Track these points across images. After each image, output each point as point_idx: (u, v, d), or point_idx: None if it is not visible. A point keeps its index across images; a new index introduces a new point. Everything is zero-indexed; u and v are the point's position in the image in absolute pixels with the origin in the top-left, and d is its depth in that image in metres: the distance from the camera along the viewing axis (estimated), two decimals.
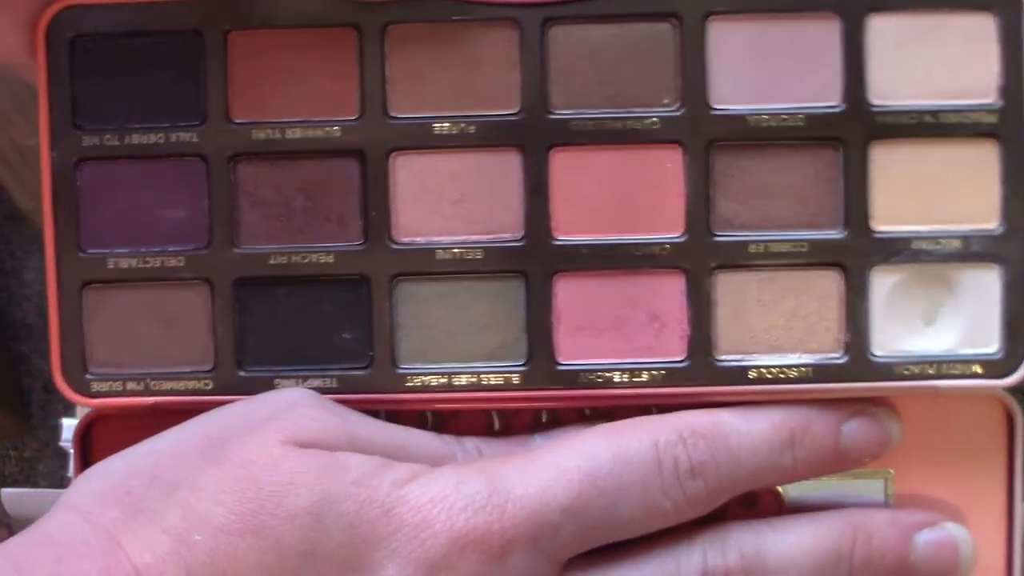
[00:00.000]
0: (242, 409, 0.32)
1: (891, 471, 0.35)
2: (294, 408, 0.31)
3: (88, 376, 0.33)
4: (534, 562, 0.30)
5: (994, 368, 0.33)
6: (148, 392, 0.33)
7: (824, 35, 0.32)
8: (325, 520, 0.29)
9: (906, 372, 0.33)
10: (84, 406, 0.34)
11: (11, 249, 0.51)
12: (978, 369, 0.33)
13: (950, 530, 0.33)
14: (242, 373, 0.33)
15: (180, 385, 0.33)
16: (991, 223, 0.33)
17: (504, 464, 0.31)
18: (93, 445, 0.35)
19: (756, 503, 0.34)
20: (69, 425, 0.38)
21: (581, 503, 0.30)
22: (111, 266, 0.33)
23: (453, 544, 0.29)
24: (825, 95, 0.33)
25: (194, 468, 0.30)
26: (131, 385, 0.33)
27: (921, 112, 0.32)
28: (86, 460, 0.35)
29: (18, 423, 0.54)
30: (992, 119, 0.32)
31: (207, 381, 0.33)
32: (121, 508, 0.29)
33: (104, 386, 0.33)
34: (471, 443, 0.33)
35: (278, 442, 0.30)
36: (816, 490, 0.35)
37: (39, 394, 0.53)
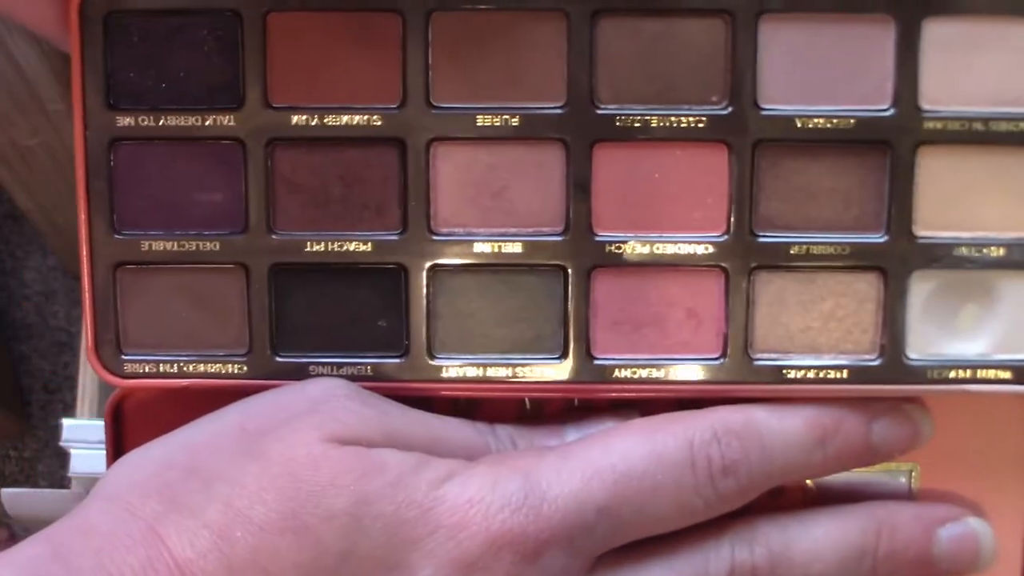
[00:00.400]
0: (277, 400, 0.32)
1: (916, 465, 0.36)
2: (330, 401, 0.32)
3: (123, 357, 0.34)
4: (567, 560, 0.31)
5: None
6: (182, 374, 0.34)
7: (878, 37, 0.32)
8: (363, 521, 0.30)
9: (939, 376, 0.33)
10: (118, 387, 0.34)
11: (11, 249, 0.51)
12: (1011, 375, 0.34)
13: (972, 524, 0.34)
14: (277, 358, 0.34)
15: (214, 368, 0.34)
16: None
17: (540, 461, 0.32)
18: (124, 421, 0.35)
19: (781, 491, 0.36)
20: (69, 425, 0.39)
21: (616, 503, 0.31)
22: (145, 248, 0.33)
23: (490, 545, 0.30)
24: (875, 98, 0.33)
25: (232, 462, 0.31)
26: (164, 367, 0.34)
27: (971, 119, 0.33)
28: (118, 435, 0.35)
29: (18, 423, 0.54)
30: None
31: (241, 365, 0.34)
32: (161, 500, 0.30)
33: (138, 367, 0.34)
34: (504, 432, 0.34)
35: (317, 439, 0.31)
36: (841, 479, 0.36)
37: (39, 394, 0.54)
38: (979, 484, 0.36)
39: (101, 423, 0.36)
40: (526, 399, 0.35)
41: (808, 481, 0.36)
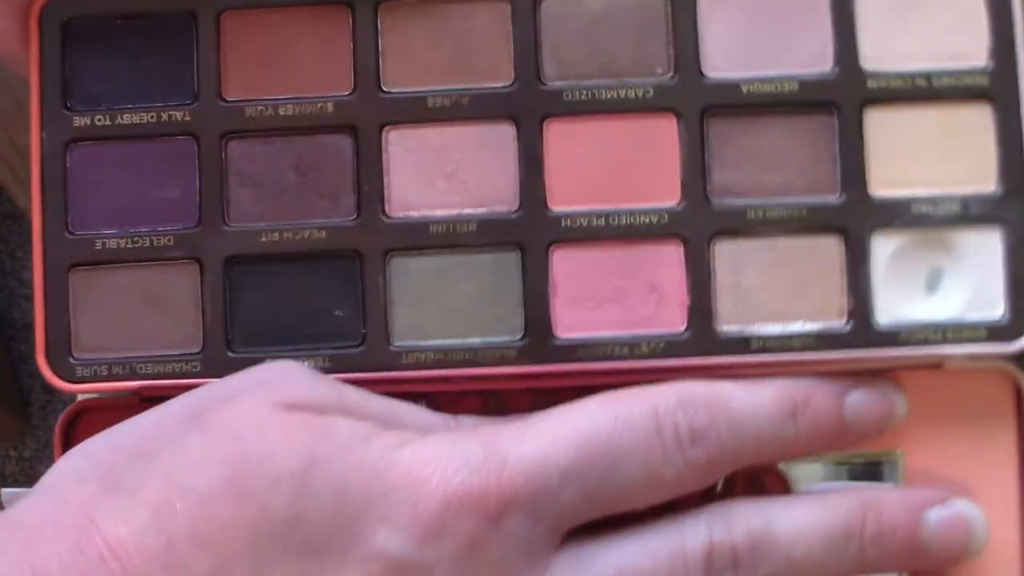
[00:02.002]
0: (227, 382, 0.33)
1: (901, 451, 0.36)
2: (283, 374, 0.33)
3: (72, 361, 0.35)
4: (532, 527, 0.31)
5: (1000, 333, 0.34)
6: (134, 376, 0.35)
7: (814, 1, 0.35)
8: (312, 485, 0.30)
9: (911, 339, 0.34)
10: (67, 392, 0.35)
11: (11, 249, 0.53)
12: (984, 333, 0.34)
13: (961, 507, 0.34)
14: (231, 354, 0.35)
15: (167, 368, 0.35)
16: (989, 185, 0.35)
17: (501, 429, 0.32)
18: (76, 438, 0.36)
19: (763, 489, 0.36)
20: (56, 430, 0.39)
21: (580, 466, 0.31)
22: (99, 247, 0.35)
23: (448, 506, 0.30)
24: (817, 61, 0.35)
25: (176, 437, 0.31)
26: (117, 369, 0.35)
27: (914, 76, 0.35)
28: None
29: (18, 423, 0.55)
30: (984, 81, 0.35)
31: (195, 363, 0.35)
32: (99, 484, 0.30)
33: (89, 371, 0.35)
34: (467, 419, 0.34)
35: (266, 405, 0.31)
36: (824, 477, 0.36)
37: (39, 394, 0.55)
38: (968, 465, 0.36)
39: None
40: (489, 400, 0.36)
41: (788, 479, 0.36)
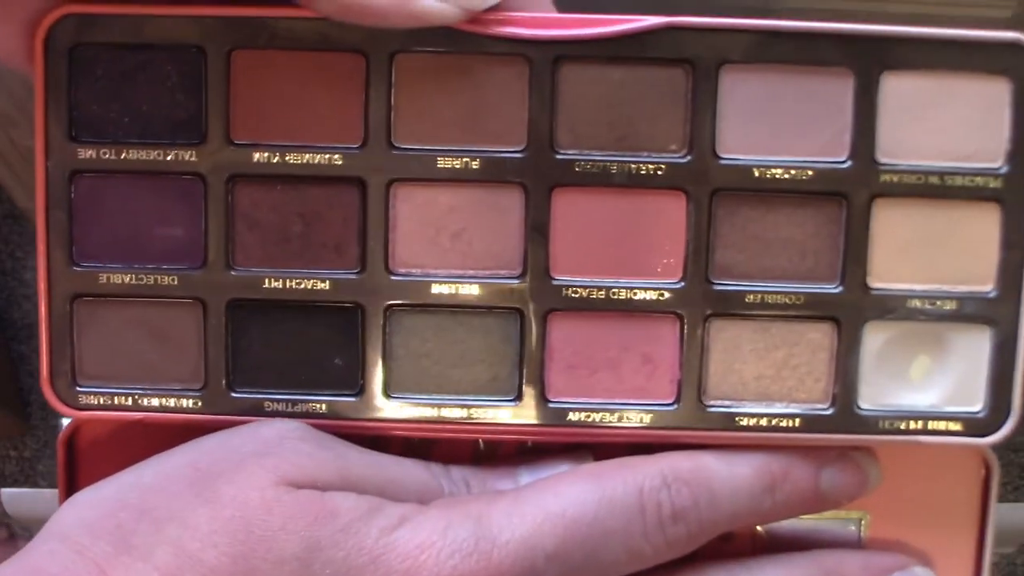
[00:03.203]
0: (231, 441, 0.35)
1: (866, 514, 0.39)
2: (283, 443, 0.35)
3: (77, 388, 0.37)
4: None
5: (977, 426, 0.37)
6: (136, 407, 0.37)
7: (836, 91, 0.36)
8: (313, 566, 0.33)
9: (890, 426, 0.37)
10: (71, 417, 0.37)
11: (11, 249, 0.54)
12: (961, 427, 0.37)
13: (919, 574, 0.38)
14: (233, 394, 0.37)
15: (169, 402, 0.37)
16: (987, 286, 0.36)
17: (490, 506, 0.35)
18: (78, 452, 0.38)
19: (731, 537, 0.39)
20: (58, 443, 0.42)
21: (565, 549, 0.34)
22: (103, 281, 0.36)
23: None
24: (833, 150, 0.36)
25: (184, 504, 0.33)
26: (120, 399, 0.37)
27: (927, 172, 0.36)
28: (71, 466, 0.38)
29: (18, 423, 0.57)
30: (997, 184, 0.36)
31: (197, 400, 0.37)
32: (111, 542, 0.33)
33: (92, 399, 0.37)
34: (459, 473, 0.37)
35: (271, 483, 0.33)
36: (791, 525, 0.39)
37: (39, 394, 0.57)
38: (928, 533, 0.39)
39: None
40: (480, 440, 0.38)
41: (758, 527, 0.39)
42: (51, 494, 0.47)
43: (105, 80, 0.36)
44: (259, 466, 0.34)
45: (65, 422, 0.41)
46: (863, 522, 0.39)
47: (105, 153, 0.36)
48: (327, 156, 0.36)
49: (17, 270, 0.54)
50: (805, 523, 0.39)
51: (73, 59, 0.36)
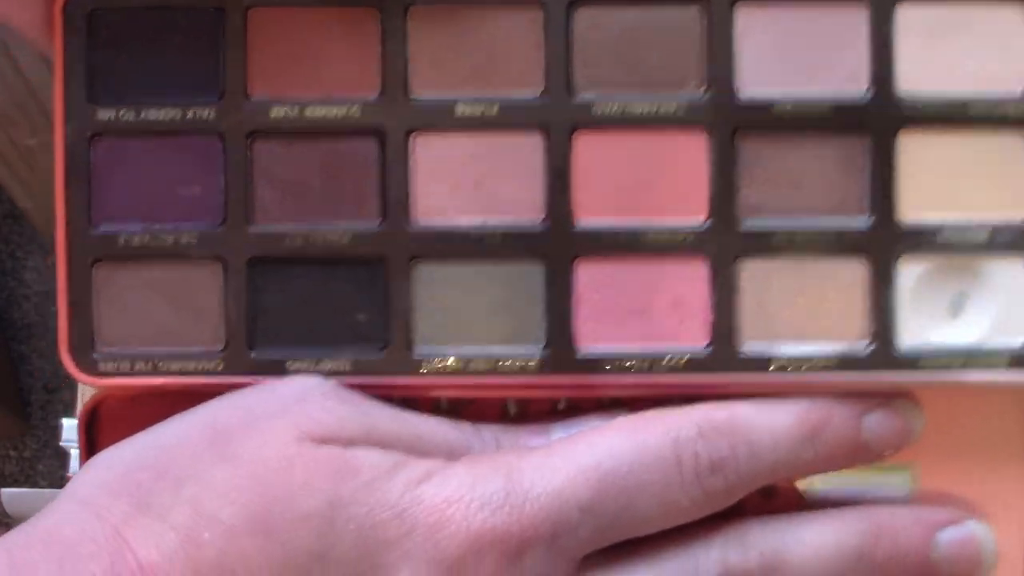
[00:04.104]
0: (250, 399, 0.35)
1: (916, 465, 0.38)
2: (306, 399, 0.35)
3: (95, 355, 0.37)
4: (551, 561, 0.34)
5: (1021, 360, 0.37)
6: (156, 372, 0.37)
7: (852, 23, 0.36)
8: (336, 522, 0.33)
9: (932, 364, 0.36)
10: (90, 385, 0.37)
11: (11, 249, 0.55)
12: (1005, 361, 0.37)
13: (972, 528, 0.37)
14: (253, 354, 0.37)
15: (189, 366, 0.37)
16: (1019, 214, 0.37)
17: (521, 460, 0.34)
18: (99, 428, 0.38)
19: (774, 495, 0.38)
20: (69, 425, 0.42)
21: (600, 501, 0.34)
22: (122, 243, 0.37)
23: (471, 545, 0.33)
24: (852, 83, 0.36)
25: (203, 462, 0.33)
26: (139, 365, 0.37)
27: (949, 102, 0.36)
28: (91, 443, 0.38)
29: (18, 423, 0.57)
30: (1020, 111, 0.36)
31: (218, 362, 0.37)
32: (129, 502, 0.33)
33: (111, 366, 0.37)
34: (489, 432, 0.37)
35: (292, 439, 0.33)
36: (837, 485, 0.38)
37: (39, 394, 0.57)
38: (979, 483, 0.38)
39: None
40: (509, 402, 0.38)
41: (802, 487, 0.38)
42: (51, 494, 0.47)
43: (123, 42, 0.37)
44: (278, 423, 0.34)
45: (65, 421, 0.41)
46: (912, 475, 0.38)
47: (124, 114, 0.37)
48: (345, 109, 0.37)
49: (17, 270, 0.55)
50: (851, 482, 0.38)
51: (91, 24, 0.37)
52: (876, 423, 0.36)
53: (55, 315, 0.37)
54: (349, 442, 0.34)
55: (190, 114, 0.37)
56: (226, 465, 0.33)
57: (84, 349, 0.37)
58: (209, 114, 0.37)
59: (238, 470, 0.33)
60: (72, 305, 0.37)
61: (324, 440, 0.34)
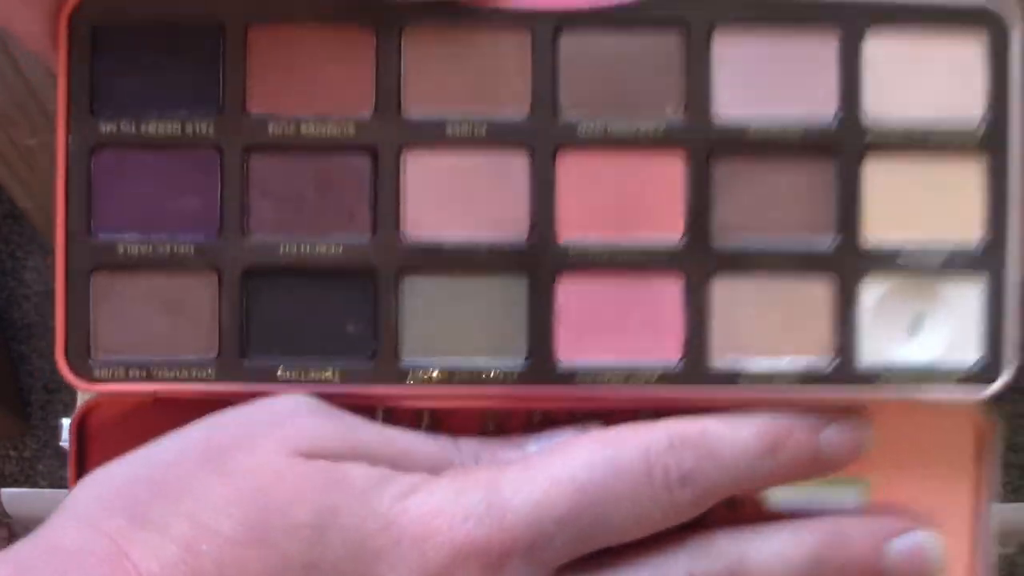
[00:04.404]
0: (242, 416, 0.37)
1: (868, 480, 0.41)
2: (295, 416, 0.37)
3: (91, 361, 0.39)
4: (530, 570, 0.36)
5: (974, 379, 0.39)
6: (150, 379, 0.39)
7: (823, 50, 0.39)
8: (328, 533, 0.34)
9: (890, 380, 0.39)
10: (86, 391, 0.39)
11: (11, 249, 0.56)
12: (958, 379, 0.39)
13: (921, 537, 0.39)
14: (245, 363, 0.39)
15: (183, 373, 0.39)
16: (975, 237, 0.39)
17: (500, 473, 0.36)
18: (89, 434, 0.40)
19: (738, 504, 0.40)
20: (69, 425, 0.43)
21: (575, 513, 0.36)
22: (121, 252, 0.38)
23: (455, 555, 0.35)
24: (822, 108, 0.39)
25: (198, 477, 0.35)
26: (134, 372, 0.39)
27: (912, 128, 0.39)
28: (81, 451, 0.40)
29: (18, 423, 0.58)
30: (977, 135, 0.39)
31: (210, 369, 0.39)
32: (127, 516, 0.34)
33: (107, 372, 0.39)
34: (468, 446, 0.39)
35: (282, 453, 0.35)
36: (797, 496, 0.41)
37: (39, 394, 0.58)
38: (929, 495, 0.41)
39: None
40: (488, 419, 0.40)
41: (764, 498, 0.41)
42: (51, 494, 0.48)
43: (126, 57, 0.38)
44: (271, 438, 0.36)
45: (64, 421, 0.42)
46: (864, 489, 0.41)
47: (125, 126, 0.38)
48: (340, 125, 0.38)
49: (17, 270, 0.56)
50: (809, 494, 0.41)
51: (96, 38, 0.38)
52: (832, 437, 0.39)
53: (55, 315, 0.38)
54: (338, 456, 0.36)
55: (189, 128, 0.38)
56: (221, 480, 0.35)
57: (80, 355, 0.39)
58: (208, 128, 0.38)
59: (233, 484, 0.35)
60: (69, 312, 0.38)
61: (314, 454, 0.36)
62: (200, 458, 0.35)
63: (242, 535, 0.34)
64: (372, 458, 0.36)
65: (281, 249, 0.38)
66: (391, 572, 0.34)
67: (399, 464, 0.37)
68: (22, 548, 0.34)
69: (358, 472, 0.35)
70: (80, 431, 0.40)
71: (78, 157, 0.38)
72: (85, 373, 0.39)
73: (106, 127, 0.38)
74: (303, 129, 0.38)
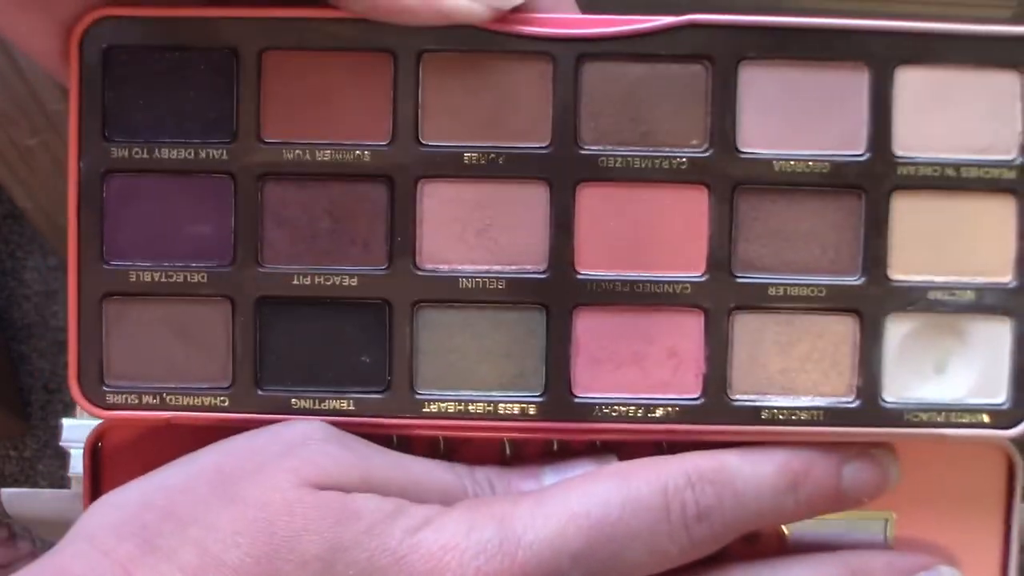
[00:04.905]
0: (254, 443, 0.37)
1: (892, 514, 0.40)
2: (307, 445, 0.37)
3: (104, 388, 0.39)
4: None
5: (1001, 418, 0.39)
6: (164, 406, 0.39)
7: (853, 85, 0.38)
8: (336, 567, 0.34)
9: (915, 419, 0.38)
10: (98, 417, 0.39)
11: (11, 249, 0.55)
12: (985, 418, 0.39)
13: (945, 574, 0.39)
14: (260, 392, 0.39)
15: (196, 401, 0.39)
16: (1005, 277, 0.38)
17: (515, 507, 0.36)
18: (103, 458, 0.40)
19: (757, 539, 0.40)
20: (69, 425, 0.43)
21: (590, 549, 0.36)
22: (133, 279, 0.38)
23: None
24: (851, 144, 0.38)
25: (208, 506, 0.35)
26: (147, 399, 0.39)
27: (943, 165, 0.38)
28: (96, 472, 0.40)
29: (18, 423, 0.59)
30: (1012, 175, 0.38)
31: (224, 398, 0.39)
32: (136, 543, 0.34)
33: (120, 398, 0.39)
34: (482, 474, 0.39)
35: (293, 484, 0.35)
36: (818, 528, 0.40)
37: (39, 394, 0.58)
38: (954, 532, 0.40)
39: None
40: (506, 443, 0.40)
41: (785, 530, 0.40)
42: (51, 494, 0.48)
43: (138, 81, 0.38)
44: (281, 468, 0.35)
45: (65, 421, 0.42)
46: (889, 523, 0.40)
47: (137, 152, 0.38)
48: (356, 153, 0.38)
49: (17, 270, 0.56)
50: (831, 527, 0.40)
51: (107, 60, 0.38)
52: (855, 472, 0.38)
53: (56, 315, 0.38)
54: (349, 487, 0.36)
55: (203, 154, 0.38)
56: (231, 508, 0.35)
57: (93, 381, 0.39)
58: (221, 155, 0.38)
59: (242, 514, 0.35)
60: (82, 338, 0.38)
61: (325, 485, 0.35)
62: (210, 485, 0.35)
63: (250, 566, 0.34)
64: (384, 488, 0.36)
65: (295, 279, 0.38)
66: None
67: (410, 493, 0.37)
68: (31, 571, 0.34)
69: (369, 504, 0.35)
70: (94, 453, 0.40)
71: (90, 182, 0.38)
72: (98, 399, 0.39)
73: (118, 152, 0.38)
74: (318, 156, 0.38)
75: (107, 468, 0.40)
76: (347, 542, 0.34)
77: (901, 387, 0.39)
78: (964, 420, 0.39)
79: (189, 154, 0.38)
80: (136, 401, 0.39)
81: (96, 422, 0.40)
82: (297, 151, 0.38)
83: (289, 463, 0.36)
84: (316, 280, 0.38)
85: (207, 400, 0.39)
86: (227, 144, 0.38)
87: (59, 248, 0.58)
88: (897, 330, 0.38)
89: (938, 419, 0.39)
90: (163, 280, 0.38)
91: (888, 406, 0.39)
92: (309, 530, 0.34)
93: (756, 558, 0.39)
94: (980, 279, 0.38)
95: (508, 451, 0.40)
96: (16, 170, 0.48)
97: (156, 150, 0.38)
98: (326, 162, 0.38)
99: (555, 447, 0.40)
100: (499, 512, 0.36)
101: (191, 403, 0.39)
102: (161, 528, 0.34)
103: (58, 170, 0.50)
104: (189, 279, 0.38)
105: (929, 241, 0.38)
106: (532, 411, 0.39)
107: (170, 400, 0.39)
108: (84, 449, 0.40)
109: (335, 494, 0.35)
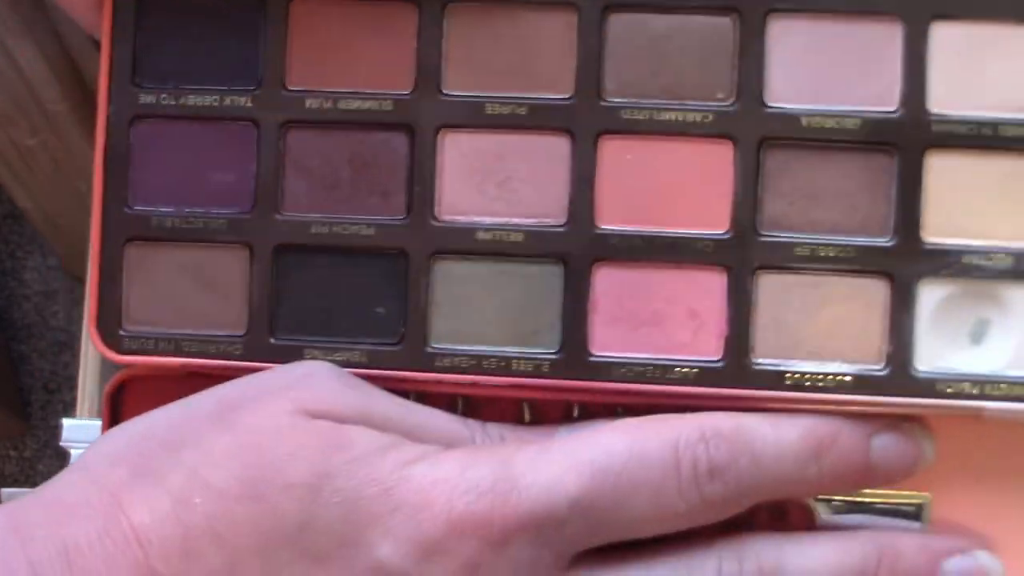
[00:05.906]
0: (259, 378, 0.37)
1: (928, 496, 0.39)
2: (311, 378, 0.37)
3: (122, 332, 0.39)
4: (536, 553, 0.35)
5: None
6: (179, 353, 0.39)
7: (886, 39, 0.37)
8: (322, 494, 0.34)
9: (949, 390, 0.37)
10: (115, 362, 0.40)
11: (11, 249, 0.57)
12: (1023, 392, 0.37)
13: (982, 560, 0.37)
14: (273, 340, 0.39)
15: (211, 348, 0.39)
16: None
17: (517, 451, 0.36)
18: (124, 404, 0.40)
19: (786, 516, 0.39)
20: (69, 425, 0.44)
21: (590, 497, 0.35)
22: (155, 224, 0.39)
23: (451, 527, 0.34)
24: (883, 100, 0.37)
25: (204, 432, 0.35)
26: (163, 345, 0.39)
27: (980, 123, 0.37)
28: (115, 420, 0.40)
29: (18, 423, 0.60)
30: None
31: (238, 346, 0.39)
32: (128, 468, 0.35)
33: (136, 344, 0.39)
34: (495, 429, 0.38)
35: (287, 411, 0.35)
36: (849, 510, 0.39)
37: (39, 394, 0.59)
38: (995, 516, 0.38)
39: (101, 423, 0.41)
40: (525, 407, 0.40)
41: (814, 511, 0.39)
42: None
43: (169, 28, 0.39)
44: (280, 398, 0.36)
45: (65, 421, 0.43)
46: (925, 506, 0.39)
47: (165, 98, 0.39)
48: (378, 102, 0.39)
49: (17, 270, 0.57)
50: (867, 511, 0.39)
51: (140, 9, 0.39)
52: (885, 446, 0.37)
53: (56, 315, 0.39)
54: (345, 420, 0.36)
55: (228, 101, 0.39)
56: (224, 433, 0.35)
57: (111, 326, 0.39)
58: (246, 102, 0.39)
59: (234, 438, 0.35)
60: (103, 283, 0.39)
61: (321, 415, 0.35)
62: (207, 414, 0.36)
63: (235, 489, 0.34)
64: (383, 426, 0.36)
65: (313, 227, 0.39)
66: (383, 539, 0.34)
67: (412, 436, 0.36)
68: (25, 500, 0.35)
69: (361, 436, 0.35)
70: (113, 401, 0.40)
71: (117, 127, 0.39)
72: (115, 344, 0.39)
73: (146, 98, 0.39)
74: (341, 105, 0.39)
75: (127, 415, 0.40)
76: (335, 469, 0.34)
77: (934, 356, 0.37)
78: (1000, 393, 0.37)
79: (214, 101, 0.39)
80: (152, 346, 0.39)
81: (96, 422, 0.41)
82: (320, 99, 0.39)
83: (289, 394, 0.36)
84: (334, 229, 0.39)
85: (221, 348, 0.39)
86: (251, 92, 0.39)
87: (59, 248, 0.60)
88: (931, 295, 0.37)
89: (973, 391, 0.37)
90: (184, 226, 0.39)
91: (920, 375, 0.37)
92: (297, 456, 0.34)
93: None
94: (1019, 244, 0.37)
95: (528, 416, 0.40)
96: (16, 170, 0.49)
97: (183, 96, 0.39)
98: (349, 111, 0.39)
99: (575, 413, 0.39)
100: (500, 455, 0.35)
101: (205, 350, 0.39)
102: (155, 454, 0.35)
103: (58, 170, 0.52)
104: (209, 225, 0.39)
105: (965, 202, 0.37)
106: (546, 368, 0.38)
107: (185, 347, 0.39)
108: (104, 394, 0.40)
109: (328, 423, 0.35)
